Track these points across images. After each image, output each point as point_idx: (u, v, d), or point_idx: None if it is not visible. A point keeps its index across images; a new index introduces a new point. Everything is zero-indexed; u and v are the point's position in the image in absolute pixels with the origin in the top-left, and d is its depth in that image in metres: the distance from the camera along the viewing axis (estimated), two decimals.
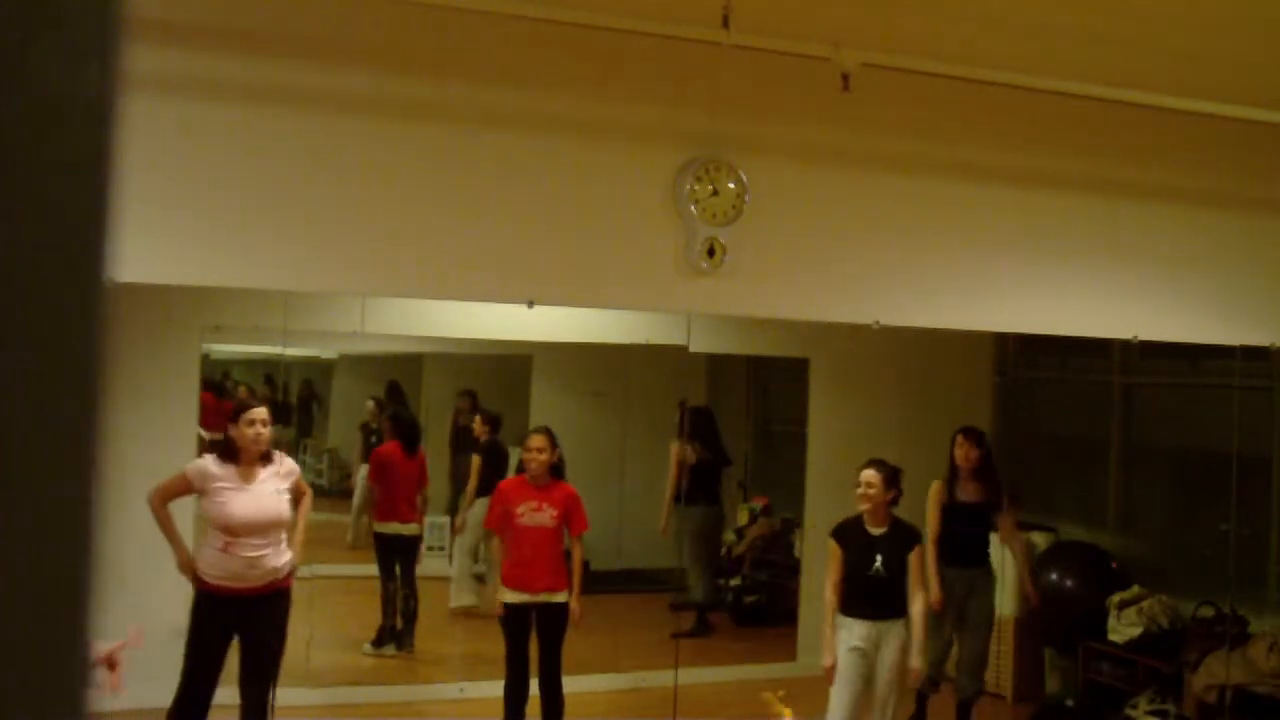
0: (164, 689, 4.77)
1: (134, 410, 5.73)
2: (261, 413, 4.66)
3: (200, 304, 5.86)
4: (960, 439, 5.94)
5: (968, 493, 5.94)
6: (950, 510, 5.93)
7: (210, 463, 4.63)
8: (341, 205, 3.93)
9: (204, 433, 6.44)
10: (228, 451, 4.63)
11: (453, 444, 7.62)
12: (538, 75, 4.15)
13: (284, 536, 4.71)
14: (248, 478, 4.61)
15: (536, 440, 5.21)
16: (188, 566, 4.65)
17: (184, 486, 4.66)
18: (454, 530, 7.11)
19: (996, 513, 5.95)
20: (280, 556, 4.66)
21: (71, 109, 0.51)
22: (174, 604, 5.80)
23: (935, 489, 5.97)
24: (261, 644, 4.67)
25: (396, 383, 7.82)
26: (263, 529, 4.61)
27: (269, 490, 4.65)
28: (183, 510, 4.84)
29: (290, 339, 6.32)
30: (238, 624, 4.62)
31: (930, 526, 5.93)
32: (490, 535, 5.59)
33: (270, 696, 4.71)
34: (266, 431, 4.65)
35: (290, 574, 4.74)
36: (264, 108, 3.85)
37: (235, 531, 4.54)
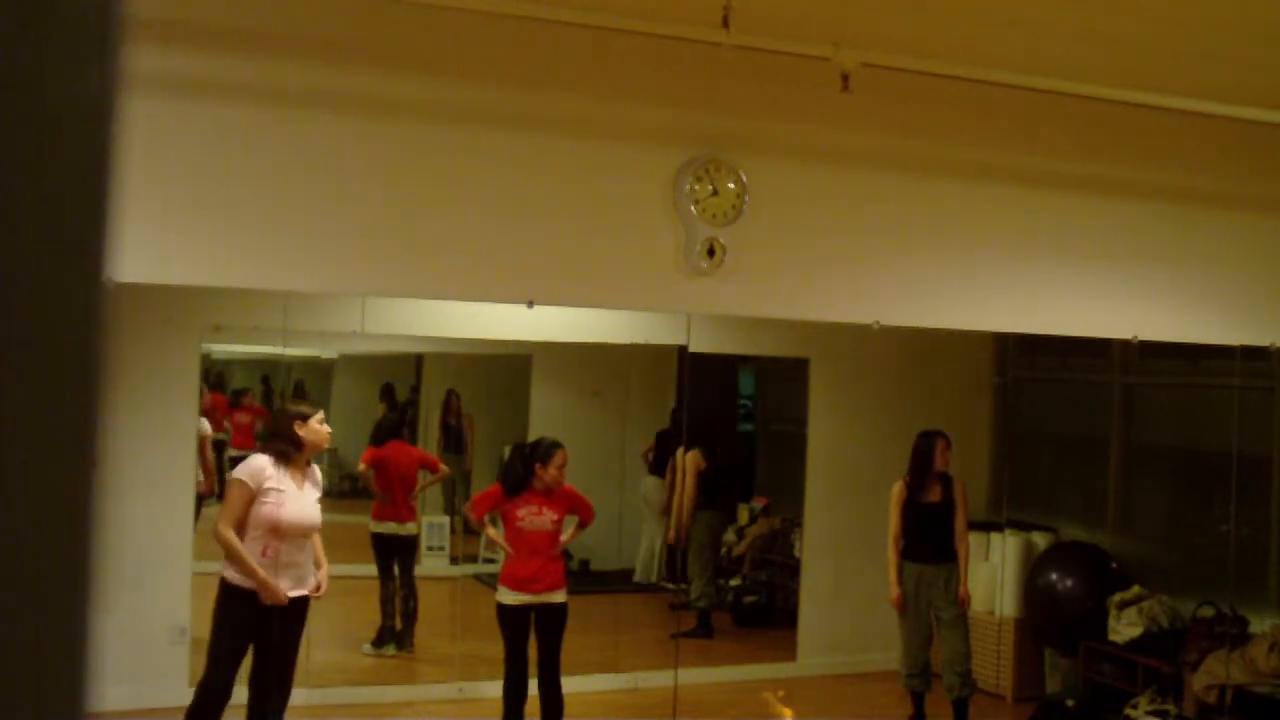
0: (164, 689, 4.77)
1: (134, 410, 5.73)
2: None
3: (200, 304, 5.86)
4: (942, 444, 6.02)
5: (929, 493, 6.02)
6: (913, 509, 6.02)
7: (266, 462, 4.55)
8: (341, 205, 3.93)
9: (210, 432, 6.45)
10: (286, 452, 4.59)
11: (441, 444, 7.62)
12: (538, 75, 4.15)
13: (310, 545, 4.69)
14: (299, 481, 4.60)
15: (561, 457, 5.25)
16: (275, 592, 4.49)
17: (246, 497, 4.50)
18: None
19: (953, 512, 6.04)
20: (309, 564, 4.64)
21: (71, 109, 0.51)
22: (174, 604, 5.81)
23: (898, 489, 6.07)
24: (281, 650, 4.63)
25: (390, 385, 7.83)
26: (306, 533, 4.59)
27: (312, 497, 4.65)
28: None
29: (290, 339, 6.32)
30: (260, 627, 4.56)
31: (892, 525, 6.05)
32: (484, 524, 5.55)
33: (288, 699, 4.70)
34: None
35: (318, 586, 4.69)
36: (264, 108, 3.84)
37: (283, 535, 4.50)
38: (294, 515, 4.53)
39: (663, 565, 7.66)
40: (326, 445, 4.76)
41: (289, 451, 4.59)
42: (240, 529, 4.48)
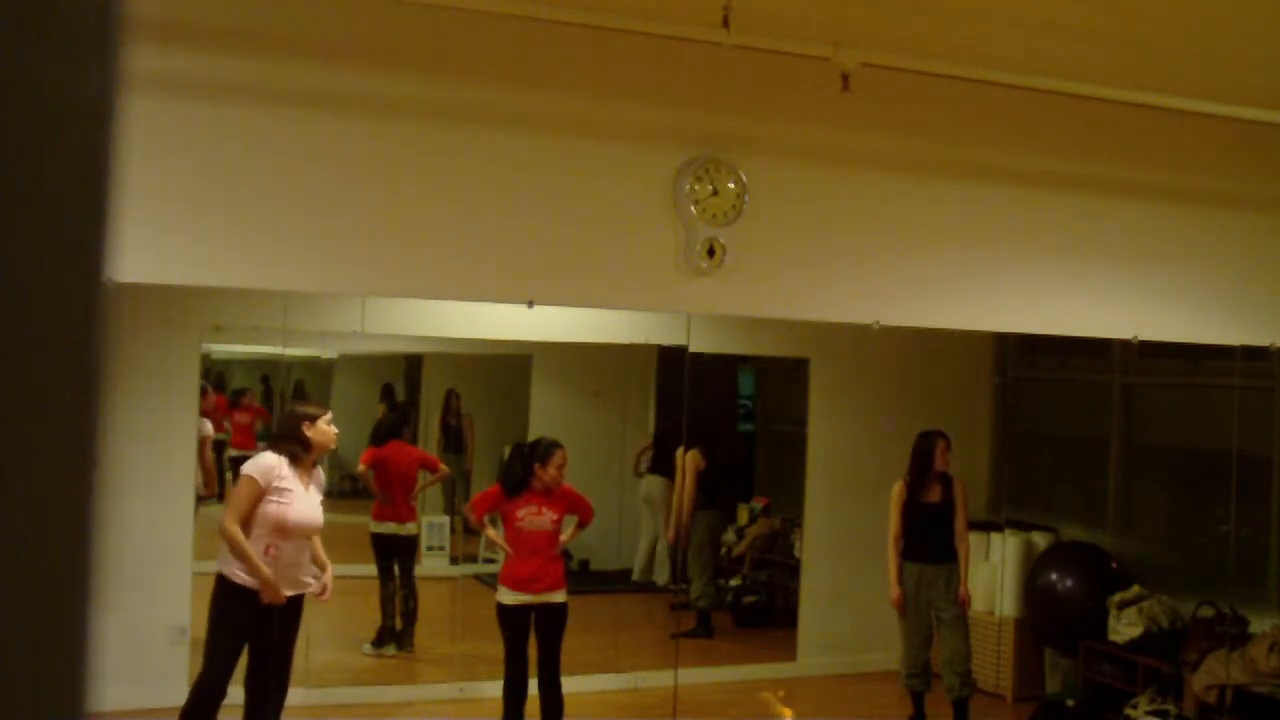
0: (164, 689, 4.77)
1: (134, 410, 5.73)
2: None
3: (200, 304, 5.85)
4: (942, 444, 6.02)
5: (929, 493, 6.03)
6: (913, 509, 6.03)
7: (277, 461, 4.55)
8: (341, 205, 3.93)
9: (211, 433, 6.44)
10: (296, 453, 4.59)
11: (441, 444, 7.62)
12: (538, 75, 4.15)
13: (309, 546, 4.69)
14: (305, 482, 4.61)
15: (561, 457, 5.25)
16: (276, 591, 4.50)
17: (256, 494, 4.49)
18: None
19: (953, 512, 6.04)
20: (308, 565, 4.65)
21: (71, 109, 0.51)
22: (174, 604, 5.81)
23: (898, 489, 6.08)
24: (279, 650, 4.62)
25: (390, 385, 7.83)
26: (309, 534, 4.60)
27: (316, 498, 4.66)
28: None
29: (290, 339, 6.32)
30: (259, 625, 4.56)
31: (892, 526, 6.05)
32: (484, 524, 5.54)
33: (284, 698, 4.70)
34: None
35: (324, 588, 4.69)
36: (264, 107, 3.85)
37: (288, 534, 4.50)
38: (300, 515, 4.54)
39: (668, 566, 7.65)
40: (333, 446, 4.76)
41: (297, 452, 4.60)
42: (245, 526, 4.47)
